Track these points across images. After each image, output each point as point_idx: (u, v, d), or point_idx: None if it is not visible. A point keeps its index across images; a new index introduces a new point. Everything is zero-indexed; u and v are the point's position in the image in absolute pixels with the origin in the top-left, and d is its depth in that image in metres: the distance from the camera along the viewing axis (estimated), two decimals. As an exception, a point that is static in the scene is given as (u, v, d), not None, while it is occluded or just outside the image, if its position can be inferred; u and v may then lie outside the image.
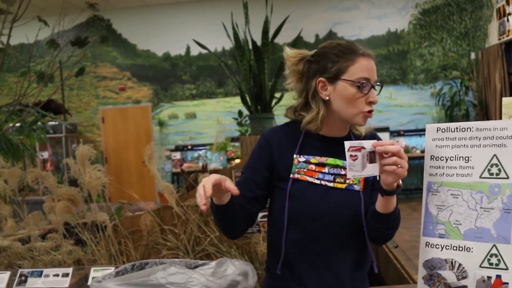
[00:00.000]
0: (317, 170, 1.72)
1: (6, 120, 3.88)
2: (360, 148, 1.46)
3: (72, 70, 4.28)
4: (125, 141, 10.80)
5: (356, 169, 1.46)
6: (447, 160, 1.68)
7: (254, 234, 3.54)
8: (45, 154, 10.16)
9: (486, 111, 10.05)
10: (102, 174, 3.41)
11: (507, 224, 1.56)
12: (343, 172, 1.71)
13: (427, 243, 1.67)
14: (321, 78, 1.68)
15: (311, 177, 1.71)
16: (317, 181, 1.71)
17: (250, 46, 3.70)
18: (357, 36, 10.74)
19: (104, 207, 4.44)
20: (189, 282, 1.15)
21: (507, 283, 1.54)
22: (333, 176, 1.72)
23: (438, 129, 1.71)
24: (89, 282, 2.81)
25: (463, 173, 1.65)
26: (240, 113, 6.90)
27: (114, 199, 7.73)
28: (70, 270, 2.90)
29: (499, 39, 9.71)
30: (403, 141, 10.42)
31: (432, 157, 1.70)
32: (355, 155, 1.46)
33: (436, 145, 1.71)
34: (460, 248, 1.62)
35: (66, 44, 3.90)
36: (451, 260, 1.61)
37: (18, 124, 3.78)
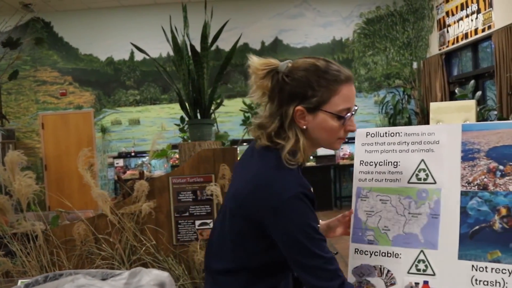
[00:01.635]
0: None
1: None
2: None
3: (4, 74, 4.10)
4: (66, 148, 10.45)
5: None
6: (376, 165, 1.66)
7: (192, 242, 3.46)
8: (-19, 161, 9.73)
9: (427, 119, 10.29)
10: (33, 182, 3.26)
11: (434, 230, 1.55)
12: None
13: (356, 250, 1.65)
14: (299, 107, 1.48)
15: None
16: None
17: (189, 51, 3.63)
18: (303, 44, 10.82)
19: (41, 216, 4.26)
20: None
21: (434, 289, 1.53)
22: None
23: (368, 134, 1.69)
24: (15, 295, 2.67)
25: (392, 178, 1.64)
26: (182, 119, 6.77)
27: (54, 207, 7.47)
28: (-5, 282, 2.75)
29: (440, 49, 9.98)
30: (348, 149, 10.53)
31: (362, 162, 1.68)
32: None
33: (366, 150, 1.69)
34: (389, 254, 1.60)
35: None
36: (379, 266, 1.59)
37: None
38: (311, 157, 10.36)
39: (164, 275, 1.22)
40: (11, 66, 4.13)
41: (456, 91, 7.15)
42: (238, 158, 5.17)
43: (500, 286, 1.45)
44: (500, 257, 1.46)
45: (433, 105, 1.68)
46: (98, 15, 10.61)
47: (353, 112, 1.52)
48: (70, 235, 3.38)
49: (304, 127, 1.50)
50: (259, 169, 1.49)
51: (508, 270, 1.44)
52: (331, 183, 10.38)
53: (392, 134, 1.66)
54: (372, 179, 1.66)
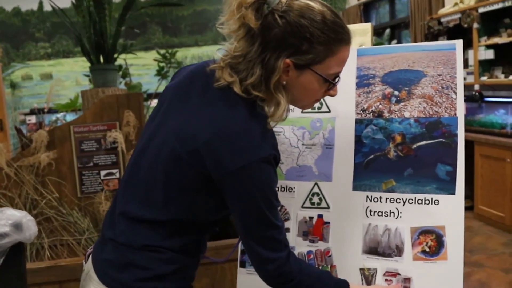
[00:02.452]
0: None
1: None
2: (395, 274, 1.41)
3: None
4: (-28, 105, 9.84)
5: None
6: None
7: (98, 193, 3.28)
8: None
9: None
10: None
11: (328, 160, 1.47)
12: None
13: (249, 186, 1.54)
14: (288, 60, 1.21)
15: None
16: None
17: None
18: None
19: None
20: None
21: (329, 223, 1.46)
22: None
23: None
24: None
25: (285, 108, 1.53)
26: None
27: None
28: None
29: (358, 0, 10.02)
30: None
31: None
32: (390, 279, 1.41)
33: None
34: (282, 189, 1.51)
35: None
36: (272, 202, 1.49)
37: None
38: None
39: (20, 216, 1.06)
40: None
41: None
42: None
43: (394, 216, 1.39)
44: (395, 186, 1.40)
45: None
46: (1, -39, 9.88)
47: (337, 77, 1.28)
48: (-38, 191, 3.12)
49: (284, 82, 1.24)
50: (228, 116, 1.22)
51: (402, 199, 1.39)
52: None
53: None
54: (265, 110, 1.55)
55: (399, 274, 1.35)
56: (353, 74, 1.49)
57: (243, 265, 1.56)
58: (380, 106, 1.45)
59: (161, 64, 7.07)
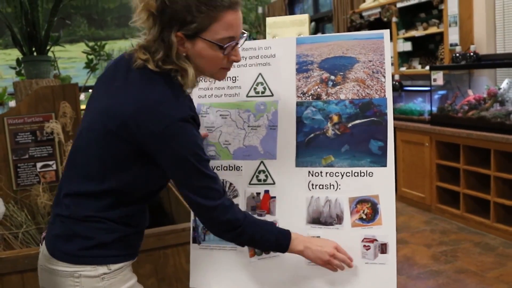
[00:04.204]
0: None
1: None
2: (373, 240, 1.51)
3: None
4: None
5: (368, 257, 1.52)
6: (215, 81, 1.65)
7: (34, 186, 3.26)
8: None
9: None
10: None
11: (272, 140, 1.59)
12: None
13: (199, 166, 1.64)
14: (178, 33, 1.36)
15: None
16: None
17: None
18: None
19: None
20: None
21: (275, 197, 1.58)
22: None
23: (206, 50, 1.67)
24: None
25: (231, 93, 1.64)
26: (18, 61, 6.24)
27: None
28: None
29: (283, -6, 10.24)
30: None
31: (200, 79, 1.66)
32: (368, 246, 1.51)
33: (205, 67, 1.67)
34: (231, 168, 1.62)
35: None
36: (222, 180, 1.60)
37: None
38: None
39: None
40: None
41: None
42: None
43: (334, 188, 1.53)
44: (333, 162, 1.54)
45: (269, 20, 1.70)
46: None
47: (238, 42, 1.41)
48: None
49: (184, 54, 1.39)
50: (147, 89, 1.37)
51: (341, 173, 1.53)
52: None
53: (230, 50, 1.65)
54: (212, 95, 1.66)
55: (376, 240, 1.49)
56: (293, 61, 1.62)
57: (195, 240, 1.65)
58: (318, 89, 1.59)
59: (90, 57, 6.97)
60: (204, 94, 1.66)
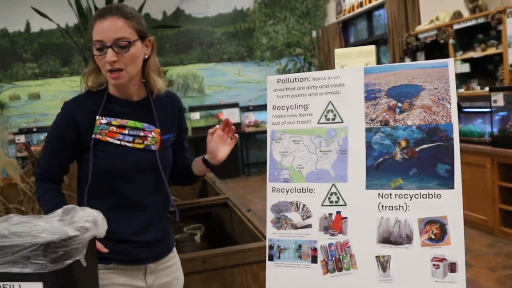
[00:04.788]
0: (117, 131, 1.84)
1: None
2: (442, 259, 1.60)
3: None
4: (-40, 127, 9.87)
5: (438, 276, 1.60)
6: (287, 109, 1.77)
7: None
8: None
9: (328, 85, 10.69)
10: None
11: (343, 164, 1.69)
12: (142, 134, 1.87)
13: (273, 188, 1.75)
14: None
15: (111, 138, 1.83)
16: (117, 142, 1.84)
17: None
18: (205, 13, 10.80)
19: None
20: (34, 230, 1.11)
21: (346, 218, 1.67)
22: (132, 137, 1.86)
23: (279, 80, 1.79)
24: None
25: (302, 120, 1.75)
26: (86, 91, 6.60)
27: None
28: None
29: (337, 18, 10.34)
30: (253, 116, 10.73)
31: (274, 107, 1.78)
32: (438, 265, 1.60)
33: (277, 96, 1.79)
34: (304, 190, 1.72)
35: None
36: (296, 202, 1.71)
37: None
38: (218, 126, 10.45)
39: (96, 214, 1.26)
40: None
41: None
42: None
43: (403, 209, 1.61)
44: (402, 184, 1.62)
45: (337, 51, 1.81)
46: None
47: (110, 46, 1.71)
48: (-23, 207, 3.26)
49: None
50: None
51: (409, 195, 1.61)
52: (238, 151, 10.55)
53: (301, 80, 1.77)
54: (285, 122, 1.77)
55: (445, 259, 1.57)
56: (361, 89, 1.72)
57: (271, 258, 1.76)
58: (386, 116, 1.68)
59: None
60: (277, 121, 1.77)
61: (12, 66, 10.24)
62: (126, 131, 1.85)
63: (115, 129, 1.84)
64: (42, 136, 9.93)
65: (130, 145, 1.85)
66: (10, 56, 10.21)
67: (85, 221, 1.21)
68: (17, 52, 10.24)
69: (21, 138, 9.74)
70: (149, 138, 1.88)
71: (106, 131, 1.83)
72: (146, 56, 1.87)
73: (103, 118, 1.83)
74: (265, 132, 7.56)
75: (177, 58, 10.73)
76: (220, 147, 2.00)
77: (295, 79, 1.77)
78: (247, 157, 10.61)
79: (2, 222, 1.14)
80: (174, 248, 2.09)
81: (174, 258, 2.07)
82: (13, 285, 1.12)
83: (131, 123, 1.85)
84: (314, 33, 11.19)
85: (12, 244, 1.10)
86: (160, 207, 1.96)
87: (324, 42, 10.79)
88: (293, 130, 1.75)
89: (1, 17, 10.00)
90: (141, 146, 1.87)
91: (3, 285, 1.11)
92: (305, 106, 1.76)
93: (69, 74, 10.29)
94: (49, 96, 10.30)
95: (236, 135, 2.06)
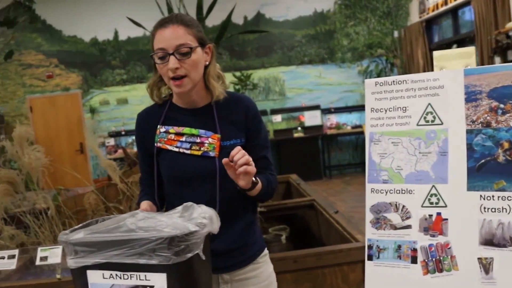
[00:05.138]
0: (175, 139, 1.90)
1: None
2: None
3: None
4: (56, 130, 10.49)
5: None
6: (386, 111, 1.79)
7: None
8: (-29, 147, 9.69)
9: (411, 85, 10.48)
10: (42, 155, 3.35)
11: (444, 166, 1.69)
12: (198, 141, 1.88)
13: (372, 189, 1.78)
14: None
15: (170, 145, 1.90)
16: (176, 149, 1.89)
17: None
18: (285, 17, 10.90)
19: (38, 194, 4.34)
20: (159, 225, 1.21)
21: (447, 219, 1.68)
22: (189, 144, 1.88)
23: (377, 83, 1.82)
24: (37, 262, 2.78)
25: (401, 122, 1.77)
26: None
27: (47, 187, 7.51)
28: (16, 252, 2.85)
29: (420, 17, 10.12)
30: (334, 118, 10.70)
31: (372, 109, 1.81)
32: None
33: (376, 98, 1.82)
34: (403, 191, 1.74)
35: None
36: (395, 203, 1.73)
37: None
38: (299, 128, 10.52)
39: (211, 211, 1.35)
40: (7, 45, 4.18)
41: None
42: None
43: (506, 211, 1.60)
44: (505, 186, 1.61)
45: (436, 54, 1.82)
46: (79, -4, 10.57)
47: (172, 53, 1.76)
48: (81, 205, 3.49)
49: None
50: None
51: (513, 197, 1.60)
52: (320, 153, 10.56)
53: (399, 82, 1.79)
54: (383, 124, 1.80)
55: None
56: (461, 91, 1.72)
57: (370, 258, 1.79)
58: (488, 117, 1.67)
59: (237, 87, 7.42)
60: (376, 123, 1.80)
61: (102, 72, 10.80)
62: (184, 138, 1.88)
63: (173, 136, 1.89)
64: (130, 139, 10.40)
65: (188, 152, 1.87)
66: (100, 63, 10.78)
67: (202, 218, 1.30)
68: (106, 60, 10.79)
69: (111, 141, 10.25)
70: (206, 144, 1.86)
71: (165, 139, 1.89)
72: (207, 63, 1.89)
73: (163, 126, 1.91)
74: (346, 134, 7.57)
75: (258, 61, 10.89)
76: (236, 177, 1.79)
77: (393, 81, 1.80)
78: (329, 159, 10.59)
79: (129, 218, 1.25)
80: (263, 260, 2.02)
81: (258, 270, 1.99)
82: (139, 275, 1.23)
83: (187, 130, 1.88)
84: (396, 33, 11.01)
85: (140, 238, 1.21)
86: (226, 215, 1.79)
87: (406, 42, 10.60)
88: (392, 132, 1.78)
89: (92, 27, 10.58)
90: (199, 153, 1.87)
91: (130, 275, 1.22)
92: (404, 108, 1.78)
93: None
94: (136, 101, 10.77)
95: (248, 168, 1.74)
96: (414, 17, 10.52)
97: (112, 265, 1.22)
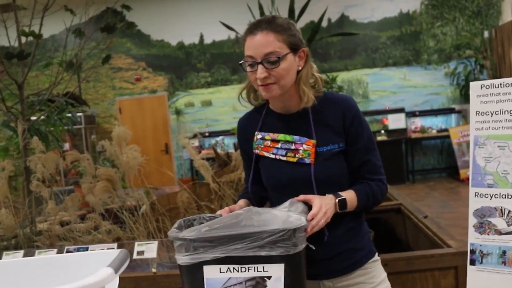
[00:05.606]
0: (271, 145, 1.89)
1: (33, 111, 3.99)
2: None
3: (97, 60, 4.38)
4: (142, 131, 10.92)
5: None
6: (492, 114, 1.75)
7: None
8: (66, 146, 10.26)
9: (501, 88, 10.05)
10: (139, 154, 3.51)
11: (554, 171, 1.64)
12: (293, 147, 1.85)
13: (476, 193, 1.75)
14: None
15: (266, 152, 1.90)
16: (272, 156, 1.88)
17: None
18: (369, 18, 10.77)
19: (130, 193, 4.53)
20: (275, 218, 1.27)
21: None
22: (285, 151, 1.86)
23: (482, 86, 1.79)
24: (134, 256, 2.91)
25: (508, 126, 1.73)
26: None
27: (136, 186, 7.82)
28: (115, 245, 3.00)
29: (513, 16, 9.71)
30: (419, 122, 10.46)
31: (478, 112, 1.78)
32: None
33: (481, 101, 1.78)
34: (509, 196, 1.70)
35: (94, 31, 3.99)
36: (500, 207, 1.69)
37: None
38: (382, 132, 10.36)
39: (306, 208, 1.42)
40: (105, 49, 4.40)
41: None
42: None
43: None
44: None
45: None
46: (167, 1, 10.93)
47: (260, 62, 1.72)
48: (174, 203, 3.62)
49: None
50: None
51: None
52: (403, 157, 10.35)
53: (507, 85, 1.75)
54: (489, 127, 1.76)
55: None
56: None
57: (472, 263, 1.76)
58: None
59: (323, 89, 7.42)
60: (481, 126, 1.77)
61: (187, 75, 11.14)
62: (279, 145, 1.86)
63: (269, 143, 1.89)
64: (213, 141, 10.65)
65: (284, 158, 1.85)
66: (186, 66, 11.12)
67: (305, 213, 1.36)
68: (192, 63, 11.11)
69: (195, 142, 10.54)
70: (301, 151, 1.82)
71: (262, 146, 1.90)
72: (300, 68, 1.82)
73: (260, 133, 1.91)
74: (431, 138, 7.37)
75: (341, 63, 10.83)
76: None
77: (500, 84, 1.75)
78: (412, 163, 10.36)
79: (246, 212, 1.31)
80: (371, 266, 1.94)
81: (365, 276, 1.91)
82: (257, 267, 1.29)
83: (281, 136, 1.86)
84: (486, 33, 10.61)
85: (263, 231, 1.28)
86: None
87: (497, 42, 10.19)
88: (498, 135, 1.74)
89: (179, 31, 10.94)
90: (294, 160, 1.83)
91: (248, 267, 1.28)
92: (511, 112, 1.73)
93: (238, 82, 10.89)
94: (220, 103, 11.03)
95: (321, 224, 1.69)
96: (507, 16, 10.10)
97: (231, 259, 1.30)
